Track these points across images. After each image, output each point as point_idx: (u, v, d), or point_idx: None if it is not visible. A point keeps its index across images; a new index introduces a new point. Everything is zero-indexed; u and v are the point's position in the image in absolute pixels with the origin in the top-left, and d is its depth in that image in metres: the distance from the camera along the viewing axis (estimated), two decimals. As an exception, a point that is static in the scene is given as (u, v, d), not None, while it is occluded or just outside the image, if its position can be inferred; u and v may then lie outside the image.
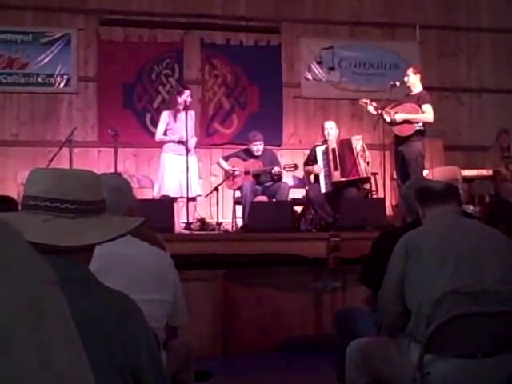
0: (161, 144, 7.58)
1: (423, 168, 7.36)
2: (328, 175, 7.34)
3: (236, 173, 7.50)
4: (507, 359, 2.57)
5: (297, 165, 7.49)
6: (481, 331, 2.57)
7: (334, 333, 3.86)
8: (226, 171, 7.63)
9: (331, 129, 7.53)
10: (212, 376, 3.41)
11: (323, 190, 7.28)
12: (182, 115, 7.31)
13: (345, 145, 7.42)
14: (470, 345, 2.57)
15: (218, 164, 7.80)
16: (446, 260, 2.66)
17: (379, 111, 7.29)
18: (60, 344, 0.67)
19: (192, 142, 7.35)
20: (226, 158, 7.73)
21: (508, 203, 6.49)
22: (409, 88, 7.40)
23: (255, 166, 7.51)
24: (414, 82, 7.36)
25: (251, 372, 5.16)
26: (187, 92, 7.41)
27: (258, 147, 7.52)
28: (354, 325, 3.43)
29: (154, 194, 7.53)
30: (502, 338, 2.61)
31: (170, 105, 7.77)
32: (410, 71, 7.40)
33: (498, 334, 2.60)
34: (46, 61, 8.61)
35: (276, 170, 7.35)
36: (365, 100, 7.61)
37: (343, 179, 7.25)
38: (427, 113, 7.17)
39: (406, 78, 7.36)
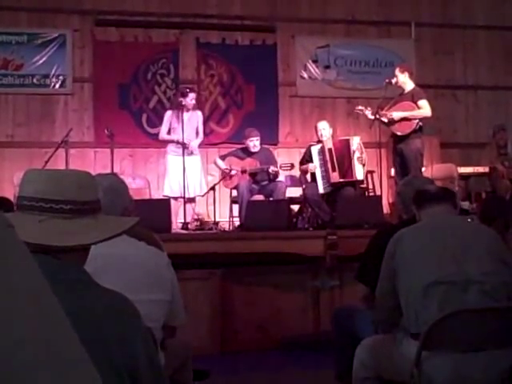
0: (158, 144, 7.60)
1: (422, 165, 7.37)
2: (326, 175, 7.34)
3: (233, 172, 7.50)
4: (502, 354, 2.58)
5: (293, 164, 7.51)
6: (475, 328, 2.58)
7: (331, 331, 3.87)
8: (222, 171, 7.64)
9: (324, 130, 7.54)
10: (210, 375, 3.41)
11: (321, 191, 7.28)
12: (185, 116, 7.31)
13: (343, 145, 7.43)
14: (464, 341, 2.58)
15: (215, 163, 7.80)
16: (431, 253, 2.70)
17: (376, 115, 7.30)
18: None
19: (194, 144, 7.36)
20: (223, 158, 7.74)
21: (504, 200, 6.51)
22: (401, 87, 7.41)
23: (252, 164, 7.52)
24: (404, 80, 7.37)
25: (249, 371, 5.16)
26: (192, 95, 7.38)
27: (254, 143, 7.53)
28: (352, 323, 3.44)
29: (163, 193, 7.49)
30: (497, 335, 2.61)
31: (174, 105, 7.76)
32: (396, 71, 7.40)
33: (492, 331, 2.61)
34: (41, 62, 8.60)
35: (272, 168, 7.36)
36: (360, 107, 7.61)
37: (342, 180, 7.27)
38: (424, 108, 7.19)
39: (394, 79, 7.37)
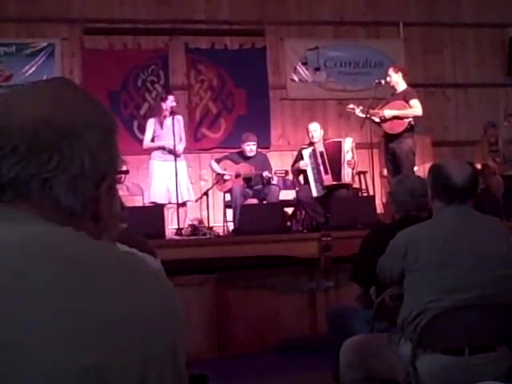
0: (149, 151, 7.60)
1: (414, 164, 7.38)
2: (318, 178, 7.34)
3: (226, 177, 7.51)
4: (494, 357, 2.58)
5: (288, 171, 7.52)
6: (468, 325, 2.58)
7: (327, 332, 3.87)
8: (217, 174, 7.64)
9: (315, 131, 7.56)
10: (208, 380, 3.40)
11: (315, 194, 7.27)
12: (168, 121, 7.32)
13: (334, 147, 7.44)
14: (458, 339, 2.58)
15: (210, 166, 7.81)
16: (446, 268, 2.61)
17: (367, 114, 7.31)
18: None
19: (180, 147, 7.37)
20: (218, 161, 7.75)
21: (495, 196, 6.54)
22: (393, 88, 7.43)
23: (247, 169, 7.52)
24: (397, 80, 7.40)
25: (247, 374, 5.15)
26: (171, 97, 7.42)
27: (251, 147, 7.54)
28: (347, 323, 3.44)
29: (144, 201, 7.54)
30: (490, 332, 2.61)
31: (156, 112, 7.78)
32: (390, 71, 7.44)
33: (485, 328, 2.61)
34: (30, 72, 8.58)
35: (266, 174, 7.35)
36: (351, 106, 7.63)
37: (335, 182, 7.28)
38: (416, 107, 7.21)
39: (388, 79, 7.40)
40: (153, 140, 7.46)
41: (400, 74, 7.43)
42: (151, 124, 7.49)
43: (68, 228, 0.84)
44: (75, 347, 0.71)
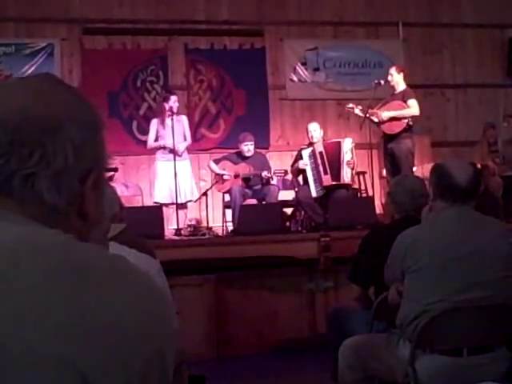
0: (149, 151, 7.62)
1: (413, 165, 7.39)
2: (318, 179, 7.35)
3: (225, 177, 7.51)
4: (493, 358, 2.58)
5: (287, 171, 7.52)
6: (467, 325, 2.58)
7: (327, 332, 3.86)
8: (216, 174, 7.65)
9: (314, 131, 7.57)
10: (206, 380, 3.39)
11: (314, 195, 7.28)
12: (169, 121, 7.33)
13: (334, 147, 7.44)
14: (457, 339, 2.57)
15: (209, 167, 7.81)
16: (447, 269, 2.60)
17: (366, 114, 7.32)
18: None
19: (180, 146, 7.37)
20: (217, 161, 7.75)
21: (495, 197, 6.54)
22: (393, 87, 7.45)
23: (245, 169, 7.52)
24: (398, 80, 7.42)
25: (246, 375, 5.15)
26: (173, 98, 7.44)
27: (248, 147, 7.54)
28: (346, 324, 3.44)
29: (148, 201, 7.55)
30: (489, 333, 2.61)
31: (158, 112, 7.79)
32: (393, 70, 7.46)
33: (484, 329, 2.60)
34: (29, 72, 8.55)
35: (265, 174, 7.35)
36: (351, 105, 7.65)
37: (334, 183, 7.28)
38: (413, 107, 7.23)
39: (389, 78, 7.42)
40: (156, 140, 7.49)
41: (402, 75, 7.46)
42: (154, 124, 7.52)
43: (57, 231, 0.82)
44: (65, 348, 0.71)
